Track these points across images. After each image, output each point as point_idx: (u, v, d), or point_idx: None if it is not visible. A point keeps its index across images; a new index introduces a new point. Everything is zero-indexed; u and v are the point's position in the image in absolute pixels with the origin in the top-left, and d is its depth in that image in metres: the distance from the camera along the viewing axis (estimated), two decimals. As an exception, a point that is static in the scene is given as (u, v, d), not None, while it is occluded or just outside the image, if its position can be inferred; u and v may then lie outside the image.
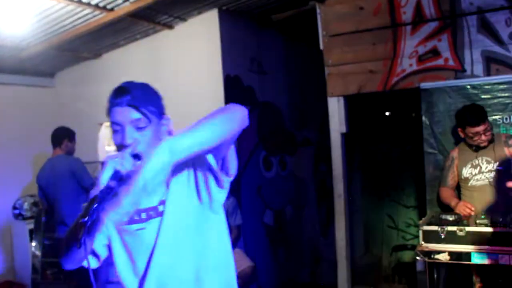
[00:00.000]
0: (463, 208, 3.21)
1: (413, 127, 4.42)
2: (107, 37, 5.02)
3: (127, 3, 4.09)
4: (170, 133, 1.55)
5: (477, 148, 3.32)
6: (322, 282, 5.51)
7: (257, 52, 5.17)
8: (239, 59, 4.93)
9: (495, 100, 3.72)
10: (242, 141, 4.82)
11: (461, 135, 3.41)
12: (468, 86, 3.81)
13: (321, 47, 4.34)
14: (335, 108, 4.32)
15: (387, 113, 5.94)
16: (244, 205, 4.64)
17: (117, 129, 1.46)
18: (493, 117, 3.72)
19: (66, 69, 5.87)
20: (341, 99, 4.32)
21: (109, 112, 1.48)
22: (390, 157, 5.78)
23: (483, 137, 3.25)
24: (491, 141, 3.31)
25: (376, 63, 4.14)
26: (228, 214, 4.25)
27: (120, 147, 1.45)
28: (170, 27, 4.96)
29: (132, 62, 5.39)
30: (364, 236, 6.02)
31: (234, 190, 4.55)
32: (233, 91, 4.77)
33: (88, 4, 4.00)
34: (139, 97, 1.47)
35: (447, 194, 3.47)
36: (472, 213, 3.16)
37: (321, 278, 5.69)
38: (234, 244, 4.25)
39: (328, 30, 4.31)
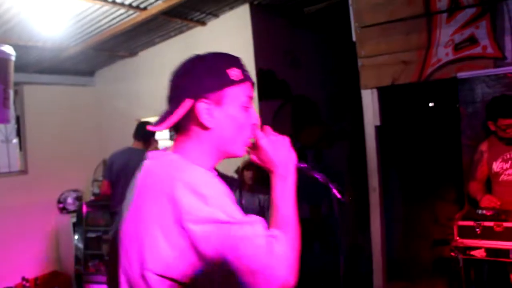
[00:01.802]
0: (487, 203, 3.12)
1: (454, 118, 4.28)
2: (142, 36, 5.13)
3: (159, 2, 4.16)
4: None
5: (510, 142, 3.19)
6: (358, 274, 5.44)
7: (290, 45, 5.14)
8: (272, 53, 4.91)
9: (538, 89, 3.56)
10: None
11: (491, 128, 3.27)
12: (509, 75, 3.65)
13: (354, 38, 4.26)
14: (369, 101, 4.24)
15: (430, 104, 5.77)
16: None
17: (249, 106, 1.24)
18: (535, 107, 3.55)
19: (105, 68, 6.05)
20: (375, 91, 4.23)
21: (242, 82, 1.22)
22: (430, 149, 5.63)
23: None
24: None
25: (410, 54, 4.02)
26: (265, 210, 4.27)
27: (247, 126, 1.25)
28: (203, 23, 5.01)
29: (167, 59, 5.48)
30: (404, 230, 5.90)
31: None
32: (267, 85, 4.76)
33: (122, 4, 4.09)
34: None
35: (474, 189, 3.37)
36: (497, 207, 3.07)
37: (358, 271, 5.63)
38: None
39: (360, 21, 4.22)
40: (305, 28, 5.32)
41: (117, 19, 4.42)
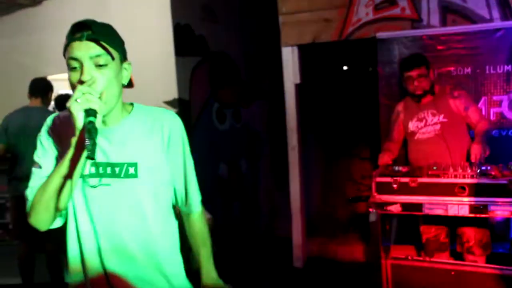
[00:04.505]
0: (380, 160, 3.33)
1: (370, 80, 4.35)
2: (45, -19, 4.64)
3: None
4: (130, 81, 1.49)
5: (418, 98, 3.32)
6: (278, 234, 5.53)
7: (208, -1, 4.91)
8: (189, 6, 4.66)
9: (450, 52, 3.69)
10: (194, 93, 4.64)
11: (403, 84, 3.39)
12: (424, 37, 3.75)
13: (276, -6, 4.16)
14: (289, 58, 4.20)
15: (344, 68, 5.86)
16: (197, 158, 4.49)
17: (75, 66, 1.35)
18: (448, 69, 3.70)
19: (2, 18, 5.44)
20: (295, 49, 4.19)
21: (67, 47, 1.36)
22: (348, 108, 5.75)
23: (416, 83, 3.25)
24: (432, 93, 3.31)
25: (332, 12, 3.99)
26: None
27: (77, 85, 1.34)
28: (116, -29, 4.62)
29: (76, 10, 5.01)
30: (321, 189, 6.05)
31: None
32: (184, 40, 4.53)
33: None
34: (101, 32, 1.37)
35: (384, 147, 3.50)
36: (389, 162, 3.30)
37: (278, 230, 5.72)
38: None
39: (283, -23, 4.12)
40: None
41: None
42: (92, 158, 1.21)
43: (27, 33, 5.35)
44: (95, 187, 1.41)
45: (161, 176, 1.51)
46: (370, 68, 4.93)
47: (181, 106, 4.47)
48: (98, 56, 1.34)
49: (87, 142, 1.21)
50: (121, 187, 1.42)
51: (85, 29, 1.34)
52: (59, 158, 1.41)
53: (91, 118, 1.25)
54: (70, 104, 1.27)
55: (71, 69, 1.36)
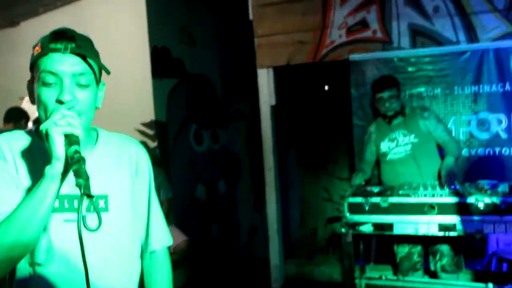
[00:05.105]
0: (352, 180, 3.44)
1: (347, 99, 4.43)
2: (22, 4, 4.66)
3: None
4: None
5: (389, 119, 3.38)
6: (256, 255, 5.51)
7: (186, 22, 4.97)
8: (167, 29, 4.71)
9: (420, 73, 3.78)
10: (172, 115, 4.66)
11: (375, 105, 3.46)
12: (395, 59, 3.84)
13: (251, 17, 4.23)
14: (265, 80, 4.25)
15: (326, 87, 5.92)
16: (174, 180, 4.50)
17: (51, 81, 1.16)
18: (418, 90, 3.78)
19: (-21, 39, 5.43)
20: (271, 71, 4.25)
21: (41, 57, 1.17)
22: (324, 130, 5.80)
23: (387, 104, 3.31)
24: (403, 114, 3.37)
25: (306, 34, 4.07)
26: (156, 188, 4.10)
27: (53, 105, 1.16)
28: (92, -6, 4.66)
29: (53, 31, 5.05)
30: (300, 210, 6.06)
31: (162, 163, 4.41)
32: (161, 63, 4.57)
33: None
34: (86, 47, 1.21)
35: (357, 168, 3.56)
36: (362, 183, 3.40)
37: (257, 251, 5.70)
38: (166, 219, 4.11)
39: (258, 0, 4.19)
40: (203, 4, 5.18)
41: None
42: (91, 196, 1.04)
43: (5, 54, 5.35)
44: (92, 229, 1.10)
45: (132, 209, 1.37)
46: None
47: (158, 128, 4.49)
48: (81, 74, 1.19)
49: (79, 175, 1.03)
50: (90, 223, 1.12)
51: (68, 40, 1.18)
52: (18, 188, 1.18)
53: (76, 147, 1.07)
54: (48, 126, 1.08)
55: (44, 84, 1.17)
